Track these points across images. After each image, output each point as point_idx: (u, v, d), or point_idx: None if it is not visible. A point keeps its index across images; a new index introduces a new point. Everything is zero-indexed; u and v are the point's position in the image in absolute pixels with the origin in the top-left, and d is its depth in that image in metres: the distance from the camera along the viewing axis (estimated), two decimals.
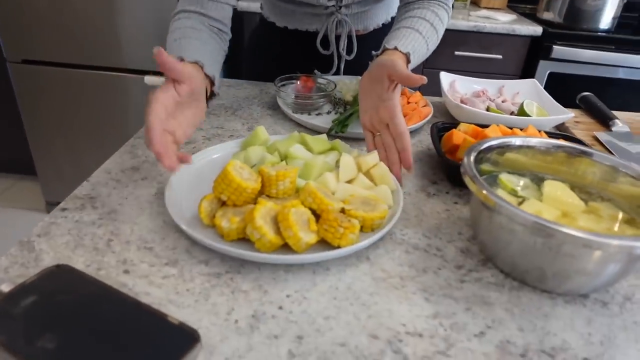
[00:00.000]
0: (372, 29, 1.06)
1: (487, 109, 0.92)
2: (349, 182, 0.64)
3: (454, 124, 0.80)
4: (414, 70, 0.73)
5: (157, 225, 0.57)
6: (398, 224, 0.61)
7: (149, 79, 1.83)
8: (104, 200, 0.61)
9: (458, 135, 0.75)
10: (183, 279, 0.49)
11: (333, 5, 0.98)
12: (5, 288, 0.43)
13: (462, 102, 0.95)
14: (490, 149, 0.60)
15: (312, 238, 0.52)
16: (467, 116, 0.88)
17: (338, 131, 0.82)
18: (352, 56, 1.05)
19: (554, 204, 0.57)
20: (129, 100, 1.91)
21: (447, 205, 0.67)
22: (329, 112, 0.93)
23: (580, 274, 0.48)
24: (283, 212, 0.52)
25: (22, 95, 1.93)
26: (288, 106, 0.91)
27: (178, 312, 0.45)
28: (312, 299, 0.48)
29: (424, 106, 0.95)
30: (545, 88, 0.99)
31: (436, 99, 1.06)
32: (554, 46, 1.98)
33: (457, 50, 2.02)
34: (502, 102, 0.97)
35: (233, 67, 2.08)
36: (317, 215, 0.55)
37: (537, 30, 1.99)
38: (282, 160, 0.69)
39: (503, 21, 2.03)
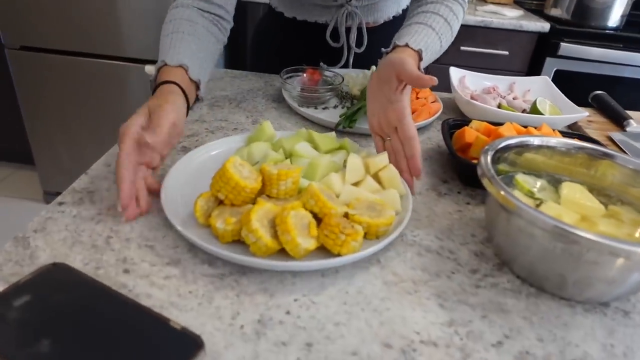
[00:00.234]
0: (382, 22, 1.03)
1: (499, 106, 0.90)
2: (356, 184, 0.61)
3: (465, 121, 0.78)
4: (425, 70, 0.70)
5: (158, 222, 0.55)
6: (409, 225, 0.59)
7: (149, 68, 1.79)
8: (103, 195, 0.59)
9: (470, 133, 0.72)
10: (185, 280, 0.47)
11: None
12: None
13: (472, 98, 0.93)
14: (507, 148, 0.57)
15: (311, 244, 0.49)
16: (478, 113, 0.85)
17: (346, 126, 0.80)
18: (362, 49, 1.02)
19: (572, 207, 0.55)
20: (128, 90, 1.88)
21: (459, 205, 0.64)
22: (335, 107, 0.90)
23: (602, 282, 0.46)
24: (282, 214, 0.49)
25: (20, 83, 1.90)
26: (294, 99, 0.89)
27: (180, 316, 0.43)
28: (321, 304, 0.46)
29: (433, 102, 0.92)
30: None
31: (445, 94, 1.04)
32: (561, 43, 1.95)
33: (463, 46, 1.99)
34: (513, 99, 0.95)
35: (237, 58, 2.05)
36: (318, 219, 0.52)
37: (544, 26, 1.96)
38: (286, 158, 0.66)
39: (510, 17, 2.00)
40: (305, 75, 0.94)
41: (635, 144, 0.83)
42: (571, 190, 0.57)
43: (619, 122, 0.92)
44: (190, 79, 0.67)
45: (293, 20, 1.03)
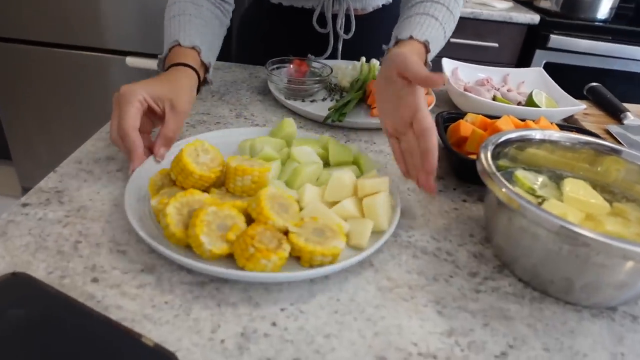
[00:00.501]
0: (371, 10, 0.99)
1: (494, 98, 0.86)
2: (335, 203, 0.53)
3: (459, 114, 0.74)
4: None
5: (132, 225, 0.50)
6: (403, 225, 0.55)
7: (130, 60, 1.73)
8: (72, 195, 0.54)
9: (466, 126, 0.69)
10: (161, 289, 0.43)
11: None
12: None
13: (465, 90, 0.89)
14: (507, 143, 0.54)
15: (220, 248, 0.44)
16: (473, 106, 0.82)
17: (335, 120, 0.76)
18: (350, 35, 0.97)
19: (576, 204, 0.52)
20: (109, 82, 1.82)
21: (455, 203, 0.61)
22: (324, 99, 0.86)
23: (611, 286, 0.43)
24: (202, 208, 0.45)
25: None
26: (280, 91, 0.84)
27: (154, 331, 0.39)
28: (310, 313, 0.42)
29: (426, 94, 0.89)
30: None
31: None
32: (551, 35, 1.93)
33: (452, 38, 1.96)
34: (508, 91, 0.92)
35: (221, 49, 1.99)
36: None
37: (534, 18, 1.94)
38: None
39: (500, 8, 1.97)
40: (292, 66, 0.90)
41: (634, 137, 0.80)
42: (574, 186, 0.54)
43: (616, 114, 0.89)
44: (202, 62, 0.69)
45: (279, 7, 0.98)
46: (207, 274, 0.44)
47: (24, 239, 0.47)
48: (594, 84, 0.98)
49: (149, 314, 0.40)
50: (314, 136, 0.67)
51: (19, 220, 0.49)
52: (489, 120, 0.70)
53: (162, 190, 0.51)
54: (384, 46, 0.70)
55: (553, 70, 2.03)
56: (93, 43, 1.75)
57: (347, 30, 0.97)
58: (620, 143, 0.79)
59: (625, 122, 0.86)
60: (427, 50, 0.66)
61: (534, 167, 0.57)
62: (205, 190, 0.52)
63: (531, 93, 0.84)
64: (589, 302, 0.45)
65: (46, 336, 0.36)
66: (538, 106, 0.82)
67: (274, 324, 0.41)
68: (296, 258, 0.46)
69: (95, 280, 0.43)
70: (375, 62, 0.92)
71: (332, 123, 0.77)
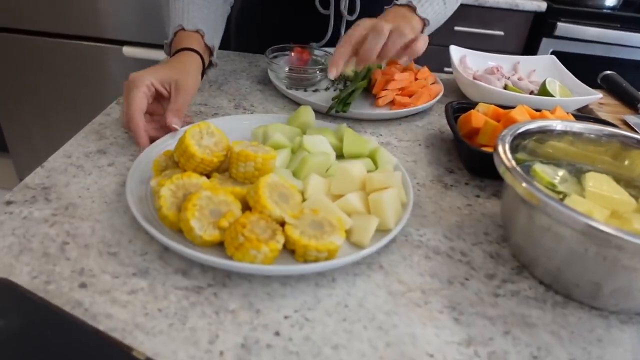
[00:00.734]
0: None
1: (505, 87, 0.82)
2: (340, 196, 0.50)
3: (470, 104, 0.70)
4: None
5: (124, 224, 0.47)
6: (413, 223, 0.52)
7: (127, 50, 1.70)
8: (60, 192, 0.51)
9: (477, 117, 0.65)
10: (154, 294, 0.40)
11: None
12: None
13: (474, 79, 0.85)
14: (525, 134, 0.50)
15: (211, 235, 0.42)
16: (483, 95, 0.78)
17: (339, 110, 0.72)
18: (355, 16, 0.93)
19: (599, 200, 0.48)
20: (106, 72, 1.78)
21: (468, 199, 0.57)
22: (327, 89, 0.82)
23: None
24: (196, 192, 0.43)
25: None
26: (280, 81, 0.81)
27: (147, 342, 0.35)
28: (317, 321, 0.39)
29: (433, 83, 0.85)
30: None
31: (444, 75, 0.96)
32: (558, 23, 1.88)
33: (456, 26, 1.92)
34: (518, 79, 0.88)
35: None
36: None
37: (541, 5, 1.89)
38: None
39: None
40: (293, 54, 0.86)
41: None
42: (597, 181, 0.50)
43: (632, 104, 0.86)
44: (206, 45, 0.70)
45: None
46: (193, 260, 0.42)
47: (7, 240, 0.43)
48: (608, 72, 0.94)
49: (141, 323, 0.37)
50: (331, 126, 0.64)
51: (2, 219, 0.46)
52: (501, 110, 0.66)
53: (165, 172, 0.50)
54: (385, 8, 0.72)
55: (560, 59, 2.00)
56: (90, 33, 1.72)
57: (351, 11, 0.93)
58: (638, 134, 0.75)
59: None
60: (423, 23, 0.69)
61: (553, 161, 0.53)
62: (208, 174, 0.50)
63: (544, 82, 0.81)
64: (617, 308, 0.42)
65: (28, 350, 0.32)
66: (552, 95, 0.78)
67: (277, 334, 0.37)
68: (292, 252, 0.44)
69: (83, 285, 0.40)
70: None
71: (335, 114, 0.73)
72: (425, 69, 0.88)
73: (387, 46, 0.61)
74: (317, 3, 0.90)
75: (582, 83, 0.83)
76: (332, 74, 0.62)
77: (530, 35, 1.97)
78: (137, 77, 0.58)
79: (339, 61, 0.62)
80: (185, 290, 0.40)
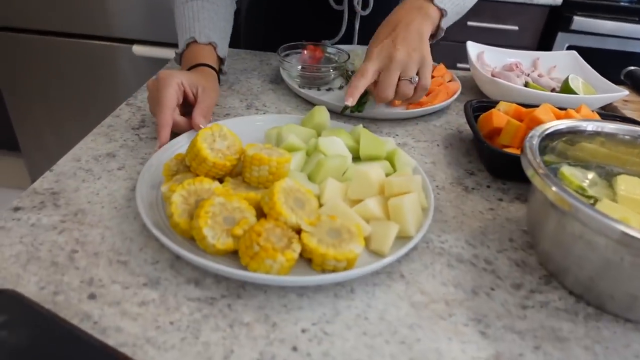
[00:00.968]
0: None
1: (526, 85, 0.80)
2: (359, 201, 0.48)
3: (491, 102, 0.68)
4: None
5: (134, 230, 0.45)
6: (434, 228, 0.49)
7: (137, 49, 1.69)
8: (69, 197, 0.49)
9: (499, 116, 0.62)
10: (166, 306, 0.38)
11: None
12: None
13: (493, 76, 0.83)
14: (554, 135, 0.48)
15: (224, 243, 0.40)
16: (503, 93, 0.76)
17: (354, 111, 0.70)
18: (368, 11, 0.90)
19: (632, 205, 0.46)
20: (116, 71, 1.78)
21: (490, 202, 0.55)
22: (341, 87, 0.80)
23: None
24: (209, 199, 0.41)
25: (1, 66, 1.79)
26: (293, 80, 0.79)
27: (158, 357, 0.34)
28: (336, 335, 0.37)
29: (450, 81, 0.82)
30: None
31: (460, 72, 0.93)
32: (574, 17, 1.84)
33: (469, 21, 1.88)
34: (539, 76, 0.85)
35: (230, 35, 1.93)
36: None
37: None
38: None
39: None
40: (305, 52, 0.84)
41: None
42: (629, 185, 0.47)
43: None
44: (218, 56, 0.72)
45: None
46: (206, 269, 0.40)
47: (15, 249, 0.42)
48: (632, 67, 0.91)
49: (152, 338, 0.35)
50: (346, 126, 0.62)
51: (9, 226, 0.44)
52: (524, 109, 0.64)
53: (176, 176, 0.48)
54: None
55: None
56: (100, 32, 1.72)
57: (364, 6, 0.91)
58: None
59: None
60: (441, 15, 0.68)
61: (580, 163, 0.51)
62: (221, 178, 0.48)
63: (567, 78, 0.78)
64: None
65: None
66: (575, 93, 0.75)
67: (294, 349, 0.35)
68: (308, 261, 0.42)
69: (92, 296, 0.38)
70: None
71: (350, 114, 0.71)
72: (442, 66, 0.85)
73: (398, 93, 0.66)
74: None
75: (606, 80, 0.80)
76: (349, 102, 0.64)
77: (545, 29, 1.93)
78: (169, 75, 0.59)
79: (355, 93, 0.64)
80: (197, 301, 0.39)
